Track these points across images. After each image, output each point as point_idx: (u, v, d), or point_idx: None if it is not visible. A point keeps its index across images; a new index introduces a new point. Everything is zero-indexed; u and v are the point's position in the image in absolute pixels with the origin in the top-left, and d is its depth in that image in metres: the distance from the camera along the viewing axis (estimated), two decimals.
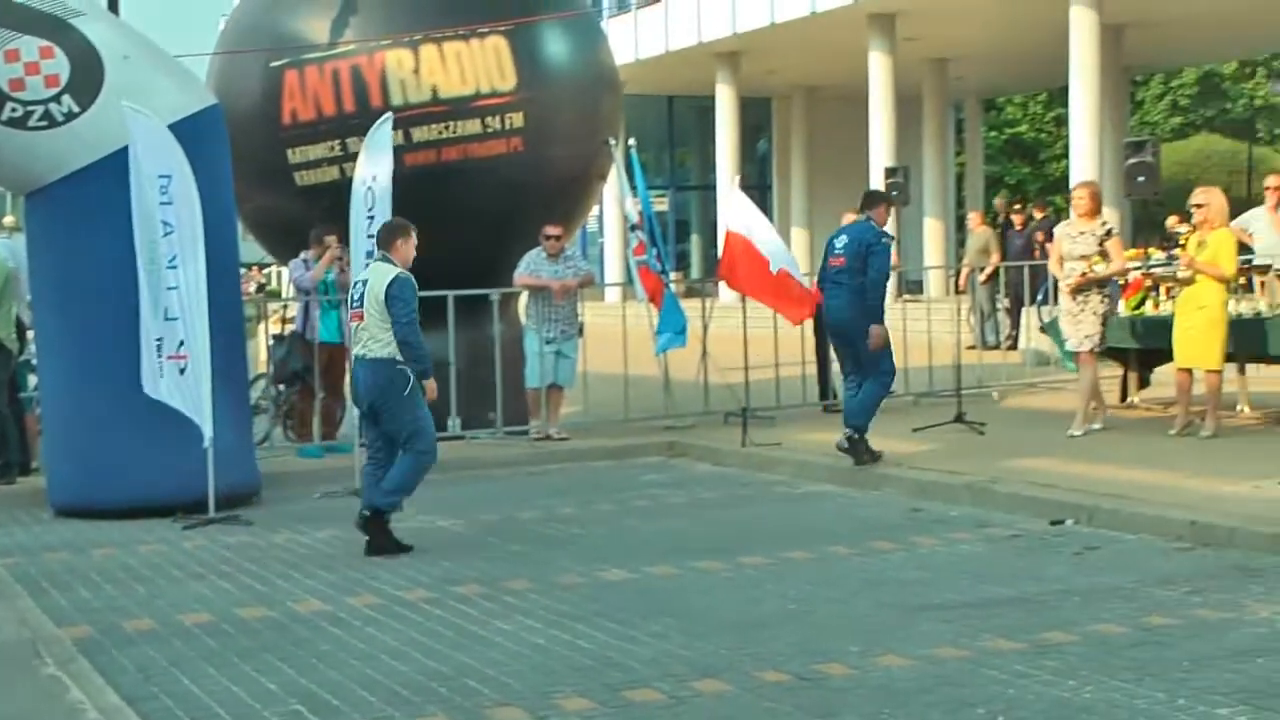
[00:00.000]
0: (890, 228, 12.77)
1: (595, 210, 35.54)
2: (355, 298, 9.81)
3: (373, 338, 9.57)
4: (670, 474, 13.24)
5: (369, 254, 12.14)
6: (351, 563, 9.42)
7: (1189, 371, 12.87)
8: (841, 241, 12.48)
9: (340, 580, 8.88)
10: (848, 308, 12.26)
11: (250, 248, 18.98)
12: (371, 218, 12.16)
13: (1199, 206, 12.76)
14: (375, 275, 9.69)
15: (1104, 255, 13.18)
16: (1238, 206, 15.48)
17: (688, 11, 35.89)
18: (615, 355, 15.50)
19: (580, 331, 14.72)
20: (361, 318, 9.65)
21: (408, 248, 9.87)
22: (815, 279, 13.67)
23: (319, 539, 10.33)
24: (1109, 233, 13.32)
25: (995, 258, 22.35)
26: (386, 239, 9.90)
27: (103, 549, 10.13)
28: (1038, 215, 24.41)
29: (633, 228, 14.94)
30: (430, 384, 9.74)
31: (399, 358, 9.53)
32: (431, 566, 9.17)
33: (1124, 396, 15.22)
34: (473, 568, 9.10)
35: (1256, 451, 11.93)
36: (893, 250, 12.61)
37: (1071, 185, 14.09)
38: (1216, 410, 12.83)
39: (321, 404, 14.12)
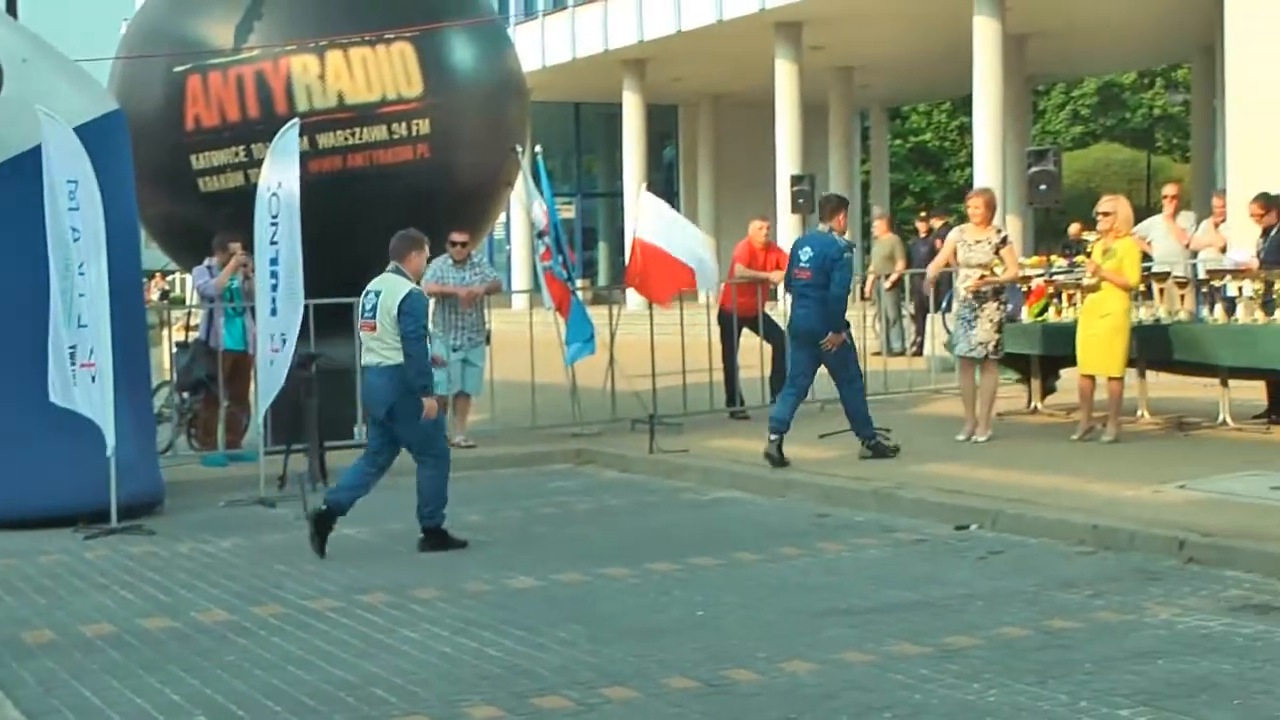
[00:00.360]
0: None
1: (502, 217, 35.50)
2: (367, 308, 9.83)
3: (386, 346, 9.69)
4: (578, 481, 13.22)
5: (273, 261, 12.08)
6: (256, 571, 9.34)
7: (1091, 378, 13.03)
8: (806, 254, 12.86)
9: (245, 590, 8.80)
10: (814, 317, 12.75)
11: (153, 255, 18.79)
12: (275, 224, 12.09)
13: (1105, 214, 12.90)
14: (388, 288, 9.75)
15: (999, 263, 13.34)
16: (1137, 214, 15.67)
17: (595, 19, 35.96)
18: (523, 362, 15.47)
19: (487, 339, 14.69)
20: (374, 328, 9.74)
21: (420, 259, 10.03)
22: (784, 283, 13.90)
23: (223, 548, 10.24)
24: (1004, 240, 13.47)
25: (900, 265, 22.56)
26: (401, 250, 9.94)
27: (2, 560, 9.97)
28: (936, 224, 24.65)
29: (539, 234, 14.92)
30: (430, 402, 9.74)
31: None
32: (338, 575, 9.11)
33: (1028, 403, 15.37)
34: (380, 576, 9.05)
35: (1156, 456, 12.09)
36: (854, 258, 12.80)
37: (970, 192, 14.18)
38: (1118, 416, 13.00)
39: (226, 412, 13.98)
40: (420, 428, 9.76)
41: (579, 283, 15.33)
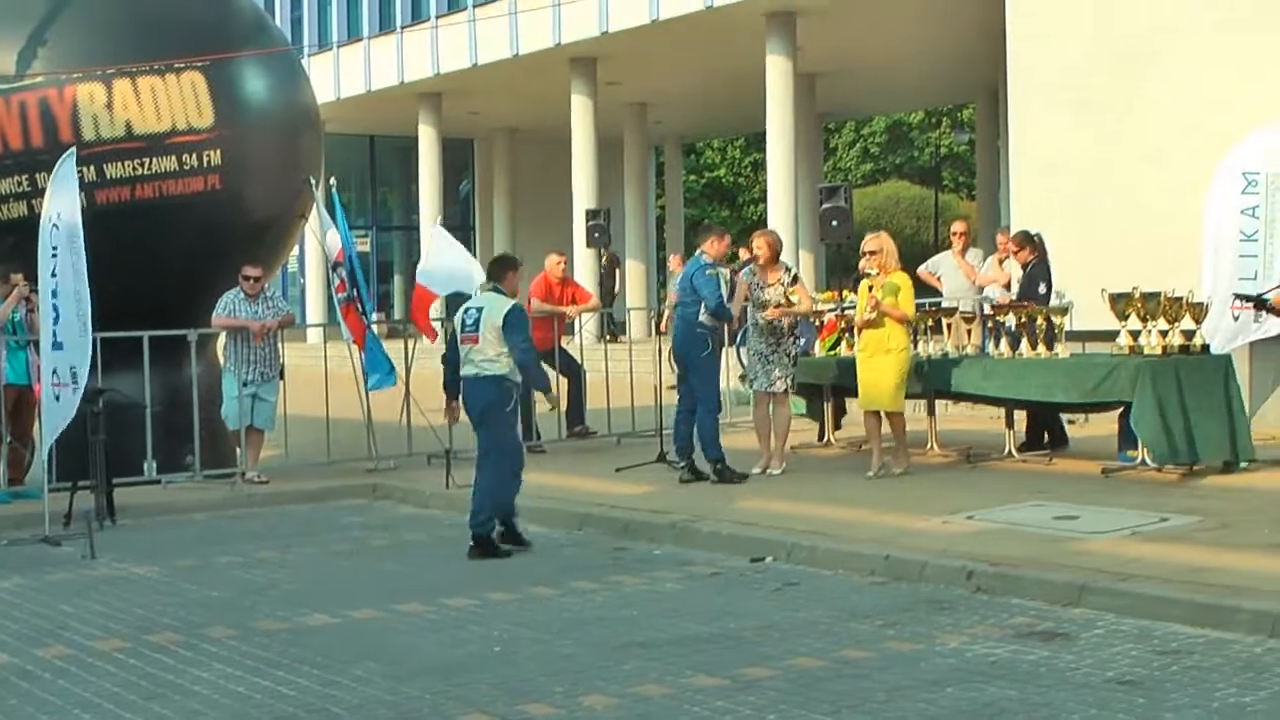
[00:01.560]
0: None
1: (296, 250, 35.03)
2: (469, 323, 10.79)
3: (486, 359, 10.70)
4: (373, 516, 13.10)
5: (54, 293, 11.76)
6: (40, 612, 9.08)
7: (876, 413, 13.27)
8: (681, 281, 13.41)
9: (28, 631, 8.55)
10: (680, 336, 13.27)
11: None
12: (55, 256, 11.79)
13: (873, 254, 13.12)
14: (490, 304, 10.81)
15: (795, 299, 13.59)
16: (925, 251, 16.05)
17: (389, 51, 35.76)
18: (317, 397, 15.30)
19: (281, 373, 14.50)
20: (476, 340, 10.71)
21: (515, 279, 11.17)
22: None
23: (5, 588, 9.93)
24: (795, 278, 13.73)
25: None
26: (498, 272, 11.08)
27: None
28: (743, 255, 24.92)
29: (333, 267, 14.79)
30: (552, 395, 11.48)
31: (510, 377, 10.71)
32: (126, 615, 8.90)
33: (821, 435, 15.61)
34: (169, 615, 8.86)
35: (946, 488, 12.35)
36: (723, 280, 13.17)
37: (774, 226, 14.45)
38: (905, 449, 13.26)
39: (8, 448, 13.60)
40: (504, 437, 10.83)
41: (375, 316, 15.21)
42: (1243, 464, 12.57)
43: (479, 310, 10.84)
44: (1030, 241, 14.84)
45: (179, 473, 14.21)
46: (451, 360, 11.04)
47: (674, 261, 25.05)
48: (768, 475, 13.28)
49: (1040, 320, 13.47)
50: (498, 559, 10.51)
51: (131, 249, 13.73)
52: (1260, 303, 12.66)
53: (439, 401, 15.34)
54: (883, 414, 13.22)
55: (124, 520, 12.63)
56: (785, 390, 13.54)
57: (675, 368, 13.78)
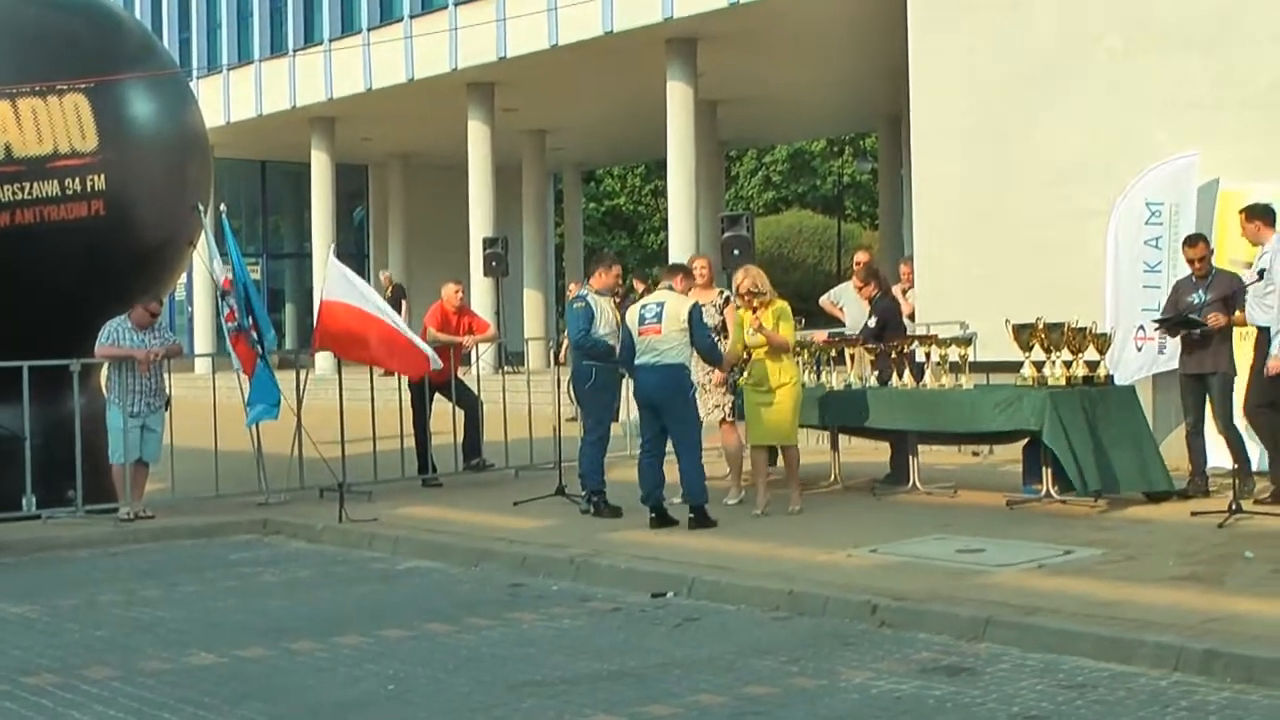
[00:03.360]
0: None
1: (183, 278, 34.72)
2: (649, 316, 12.41)
3: (670, 348, 12.34)
4: (263, 552, 12.97)
5: None
6: None
7: (767, 448, 13.29)
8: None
9: None
10: (572, 368, 13.59)
11: None
12: None
13: (751, 294, 12.92)
14: (673, 301, 12.50)
15: (724, 325, 13.67)
16: (828, 281, 16.16)
17: (281, 75, 35.56)
18: (205, 428, 15.13)
19: (167, 404, 14.32)
20: (659, 331, 12.33)
21: (688, 282, 13.08)
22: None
23: None
24: (727, 300, 13.82)
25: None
26: (670, 274, 13.11)
27: None
28: (638, 287, 24.99)
29: (221, 295, 14.64)
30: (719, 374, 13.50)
31: (688, 365, 12.45)
32: (1, 656, 8.72)
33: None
34: (48, 656, 8.69)
35: (849, 521, 12.40)
36: (600, 311, 13.18)
37: (673, 259, 14.57)
38: (799, 485, 13.28)
39: None
40: (687, 418, 12.48)
41: (272, 343, 15.06)
42: (1163, 491, 12.67)
43: (660, 305, 12.43)
44: (874, 276, 15.06)
45: (60, 508, 13.99)
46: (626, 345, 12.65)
47: (574, 290, 25.05)
48: (729, 504, 13.44)
49: (944, 351, 13.57)
50: (710, 528, 12.11)
51: (12, 276, 13.53)
52: (1190, 323, 12.73)
53: (331, 433, 15.27)
54: (778, 449, 13.32)
55: (2, 558, 12.41)
56: (725, 420, 13.87)
57: (573, 399, 13.79)
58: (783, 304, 13.07)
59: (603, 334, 13.10)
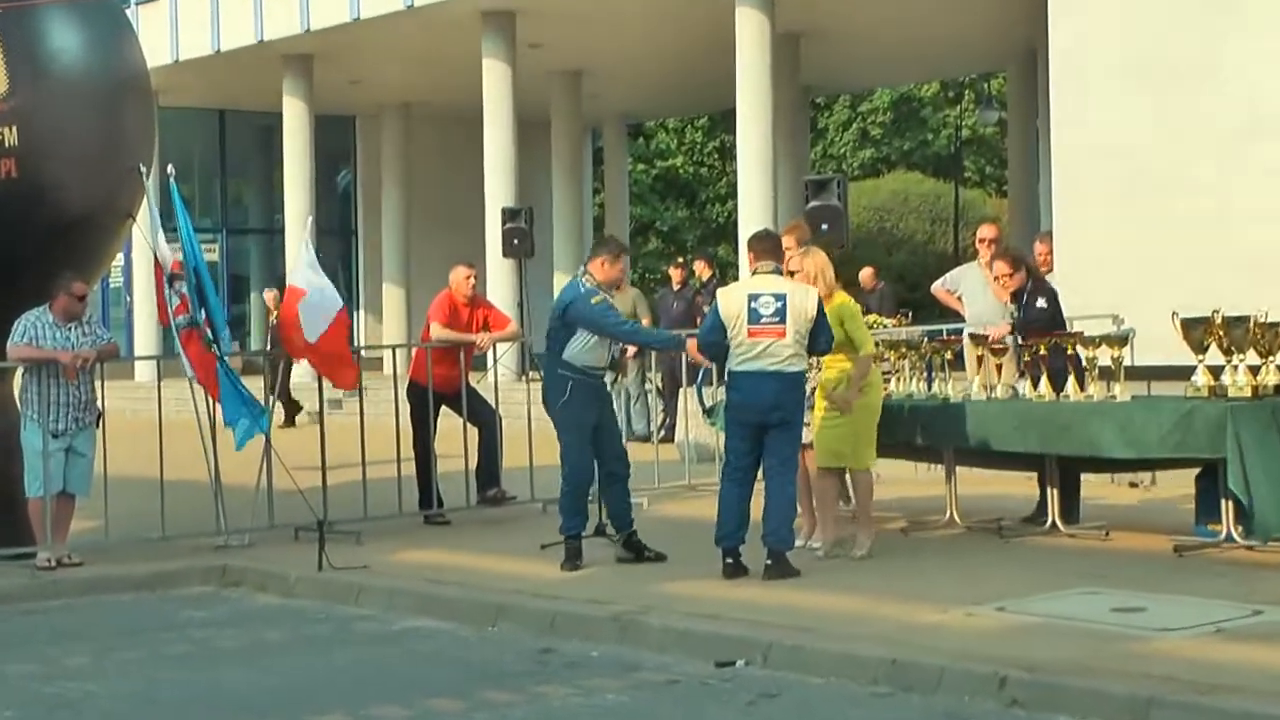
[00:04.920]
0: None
1: (120, 260, 34.88)
2: (768, 313, 12.26)
3: (794, 354, 12.30)
4: (222, 609, 13.01)
5: None
6: None
7: (835, 472, 13.31)
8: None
9: None
10: (544, 379, 13.62)
11: None
12: None
13: (793, 274, 13.00)
14: (796, 293, 12.40)
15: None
16: (942, 263, 16.07)
17: (245, 1, 35.63)
18: (148, 452, 15.17)
19: (98, 420, 14.37)
20: (782, 334, 12.24)
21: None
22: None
23: None
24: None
25: (646, 324, 22.68)
26: (764, 250, 12.77)
27: None
28: (702, 273, 25.00)
29: (169, 280, 14.68)
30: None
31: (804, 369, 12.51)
32: None
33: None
34: None
35: (968, 570, 12.34)
36: (599, 299, 13.21)
37: (746, 234, 14.47)
38: (871, 521, 13.24)
39: None
40: (796, 442, 12.59)
41: (230, 345, 15.12)
42: None
43: (780, 300, 12.31)
44: (1024, 263, 14.85)
45: None
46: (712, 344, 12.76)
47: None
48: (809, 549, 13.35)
49: (1092, 353, 13.48)
50: (791, 577, 12.10)
51: None
52: None
53: (309, 456, 15.28)
54: (847, 474, 13.41)
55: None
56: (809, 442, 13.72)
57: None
58: (846, 301, 13.03)
59: (588, 342, 13.19)
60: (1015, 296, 14.62)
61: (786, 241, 13.80)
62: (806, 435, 13.51)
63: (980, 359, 14.80)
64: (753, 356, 12.32)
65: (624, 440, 13.97)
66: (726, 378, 12.91)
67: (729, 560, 12.36)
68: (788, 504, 12.41)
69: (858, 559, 12.91)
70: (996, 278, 14.89)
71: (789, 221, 14.23)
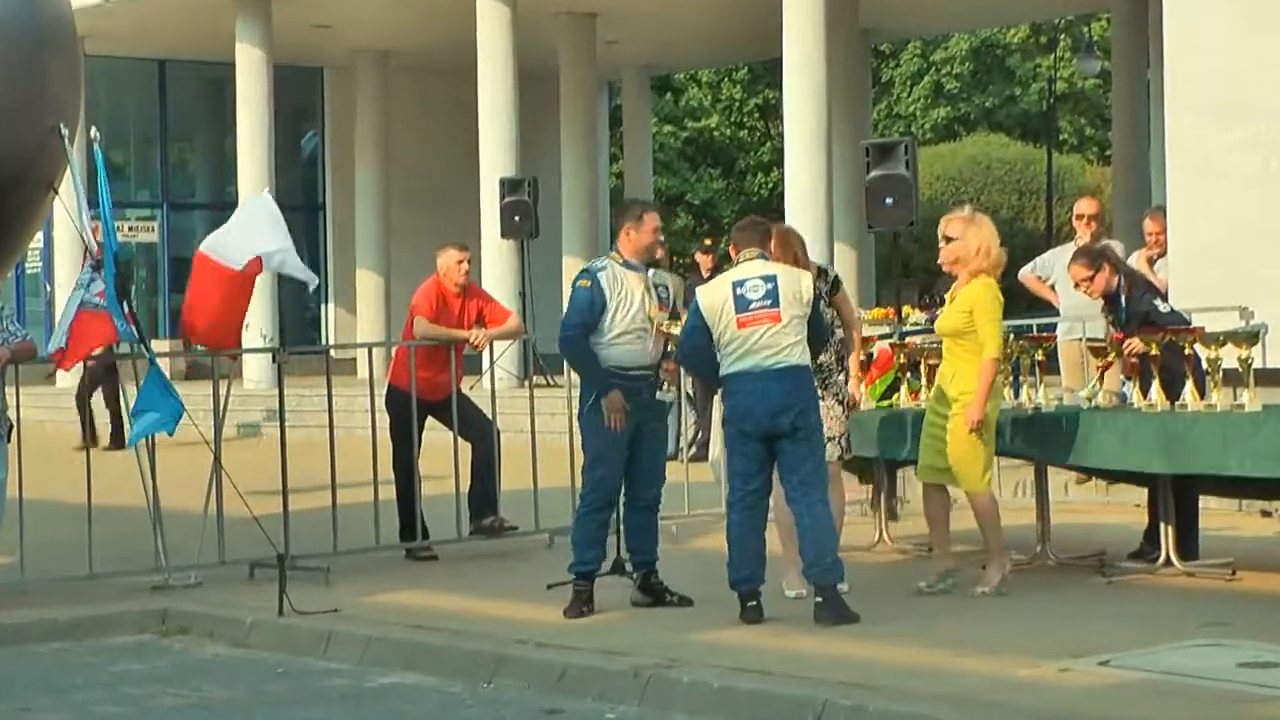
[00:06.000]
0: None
1: (39, 241, 34.90)
2: (758, 297, 12.44)
3: (794, 343, 12.44)
4: (161, 662, 13.05)
5: None
6: None
7: (941, 489, 13.33)
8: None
9: None
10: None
11: None
12: None
13: (949, 240, 13.08)
14: (785, 273, 12.65)
15: (832, 319, 13.60)
16: (1033, 244, 16.05)
17: None
18: (73, 471, 15.20)
19: (10, 434, 14.41)
20: (778, 319, 12.40)
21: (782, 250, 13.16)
22: None
23: None
24: (835, 285, 13.70)
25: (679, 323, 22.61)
26: (751, 235, 13.07)
27: None
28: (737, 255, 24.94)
29: (96, 266, 14.72)
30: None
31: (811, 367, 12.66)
32: None
33: (877, 533, 15.59)
34: None
35: (1064, 614, 12.34)
36: (585, 283, 13.15)
37: (793, 208, 14.48)
38: (1002, 552, 13.23)
39: None
40: (818, 450, 12.64)
41: (160, 344, 15.16)
42: None
43: (770, 280, 12.52)
44: (1103, 259, 14.76)
45: None
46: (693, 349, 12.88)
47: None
48: (796, 596, 13.24)
49: (1214, 353, 13.47)
50: (849, 622, 12.09)
51: None
52: None
53: (267, 477, 15.30)
54: (966, 495, 13.30)
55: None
56: (840, 456, 13.76)
57: None
58: (984, 285, 13.02)
59: (618, 334, 13.11)
60: (1110, 302, 14.56)
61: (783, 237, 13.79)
62: (831, 450, 13.47)
63: (1079, 360, 14.77)
64: (746, 351, 12.41)
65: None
66: (721, 390, 12.95)
67: (750, 604, 12.44)
68: (826, 528, 12.41)
69: (979, 596, 12.95)
70: (1076, 284, 14.80)
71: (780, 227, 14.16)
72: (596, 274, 13.15)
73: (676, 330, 13.40)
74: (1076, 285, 14.73)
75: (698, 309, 12.71)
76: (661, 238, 13.76)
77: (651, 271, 13.36)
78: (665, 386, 13.77)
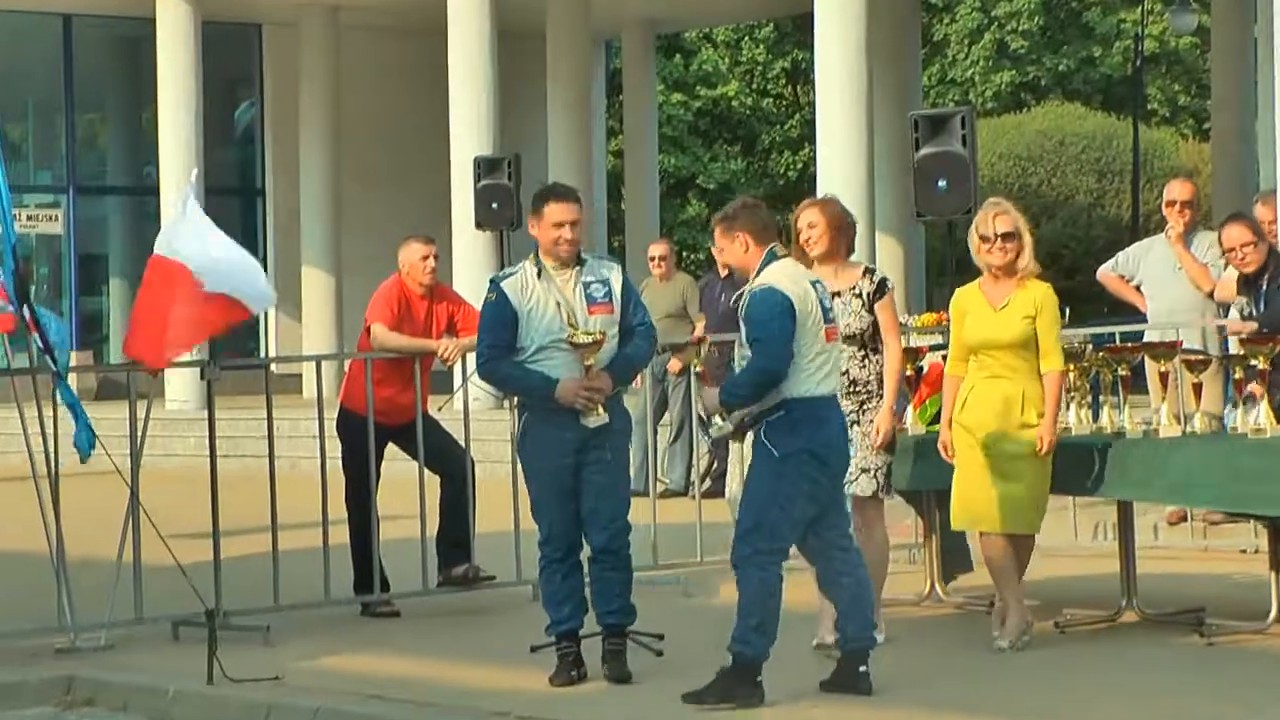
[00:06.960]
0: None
1: None
2: (829, 308, 12.32)
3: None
4: None
5: None
6: None
7: (1003, 537, 13.36)
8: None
9: None
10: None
11: None
12: None
13: (1007, 239, 13.05)
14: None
15: (875, 328, 13.58)
16: (1116, 236, 16.07)
17: None
18: None
19: None
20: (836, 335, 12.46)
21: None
22: None
23: None
24: (881, 288, 13.69)
25: (698, 328, 22.54)
26: (771, 234, 12.54)
27: None
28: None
29: None
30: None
31: None
32: None
33: (928, 585, 15.62)
34: None
35: (1150, 683, 12.36)
36: (492, 294, 13.06)
37: (824, 189, 14.45)
38: (1021, 600, 13.28)
39: None
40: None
41: (71, 356, 15.22)
42: None
43: (819, 284, 12.37)
44: (1263, 235, 14.79)
45: None
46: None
47: (659, 250, 24.81)
48: (830, 656, 13.29)
49: None
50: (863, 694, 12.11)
51: None
52: None
53: (197, 518, 15.33)
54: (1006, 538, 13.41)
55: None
56: (876, 493, 13.74)
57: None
58: (1041, 289, 13.05)
59: (535, 350, 12.91)
60: (1249, 282, 14.55)
61: (811, 218, 13.77)
62: (866, 485, 13.50)
63: (1171, 377, 14.80)
64: (833, 370, 12.33)
65: (630, 495, 13.75)
66: (780, 412, 12.27)
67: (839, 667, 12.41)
68: (870, 589, 12.58)
69: (1006, 651, 13.06)
70: (1228, 250, 14.76)
71: (822, 198, 14.04)
72: (500, 284, 13.01)
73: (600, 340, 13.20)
74: (1227, 251, 14.73)
75: (786, 308, 11.98)
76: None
77: (591, 262, 13.19)
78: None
